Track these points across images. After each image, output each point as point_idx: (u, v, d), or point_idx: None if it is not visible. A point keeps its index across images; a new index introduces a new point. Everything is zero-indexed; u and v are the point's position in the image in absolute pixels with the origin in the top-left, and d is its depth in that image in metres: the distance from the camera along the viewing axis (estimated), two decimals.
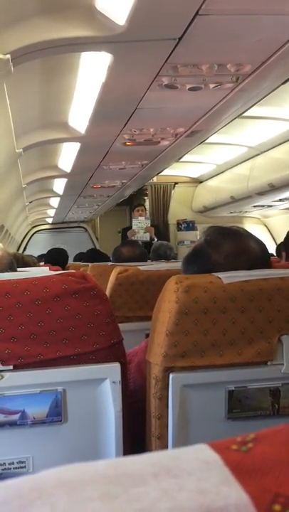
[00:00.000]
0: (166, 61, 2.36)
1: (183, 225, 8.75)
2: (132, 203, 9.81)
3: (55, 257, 5.04)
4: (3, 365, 1.09)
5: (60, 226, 9.76)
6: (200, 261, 1.26)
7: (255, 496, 0.22)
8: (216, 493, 0.22)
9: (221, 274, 1.14)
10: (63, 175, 5.24)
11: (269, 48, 2.29)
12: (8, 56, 1.97)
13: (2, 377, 1.08)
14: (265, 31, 2.11)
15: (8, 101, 2.51)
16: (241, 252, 1.24)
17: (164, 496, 0.22)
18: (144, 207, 7.92)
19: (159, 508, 0.21)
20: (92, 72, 2.58)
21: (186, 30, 2.03)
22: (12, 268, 1.66)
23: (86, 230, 9.85)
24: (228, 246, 1.24)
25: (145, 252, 3.18)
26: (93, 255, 5.27)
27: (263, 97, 3.13)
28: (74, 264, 5.42)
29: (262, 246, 1.29)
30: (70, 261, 5.77)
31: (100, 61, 2.39)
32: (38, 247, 8.74)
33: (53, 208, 7.95)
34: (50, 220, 9.55)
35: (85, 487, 0.23)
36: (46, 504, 0.22)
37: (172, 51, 2.24)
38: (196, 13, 1.90)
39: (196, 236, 8.25)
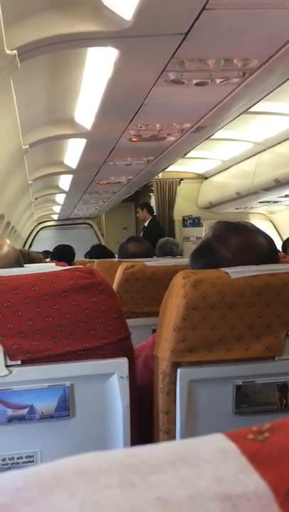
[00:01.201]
0: (172, 56, 2.35)
1: (188, 221, 8.72)
2: (138, 199, 9.80)
3: (61, 254, 5.03)
4: (11, 360, 1.09)
5: (65, 223, 9.76)
6: (207, 256, 1.26)
7: (274, 484, 0.22)
8: (234, 481, 0.22)
9: (228, 269, 1.13)
10: (69, 171, 5.24)
11: (276, 42, 2.28)
12: (15, 52, 1.97)
13: (10, 372, 1.09)
14: (272, 26, 2.10)
15: (14, 97, 2.51)
16: (249, 246, 1.23)
17: (182, 484, 0.22)
18: (141, 208, 7.93)
19: (177, 495, 0.22)
20: (98, 67, 2.58)
21: (192, 25, 2.03)
22: (19, 264, 1.65)
23: (92, 226, 9.85)
24: (236, 241, 1.23)
25: (151, 247, 3.18)
26: (98, 251, 5.26)
27: (269, 92, 3.12)
28: (80, 260, 5.41)
29: (269, 241, 1.28)
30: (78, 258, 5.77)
31: (106, 57, 2.38)
32: (43, 243, 8.74)
33: (59, 204, 7.95)
34: (55, 217, 9.55)
35: (104, 475, 0.23)
36: (65, 492, 0.22)
37: (179, 46, 2.23)
38: (203, 8, 1.89)
39: (201, 232, 8.23)
